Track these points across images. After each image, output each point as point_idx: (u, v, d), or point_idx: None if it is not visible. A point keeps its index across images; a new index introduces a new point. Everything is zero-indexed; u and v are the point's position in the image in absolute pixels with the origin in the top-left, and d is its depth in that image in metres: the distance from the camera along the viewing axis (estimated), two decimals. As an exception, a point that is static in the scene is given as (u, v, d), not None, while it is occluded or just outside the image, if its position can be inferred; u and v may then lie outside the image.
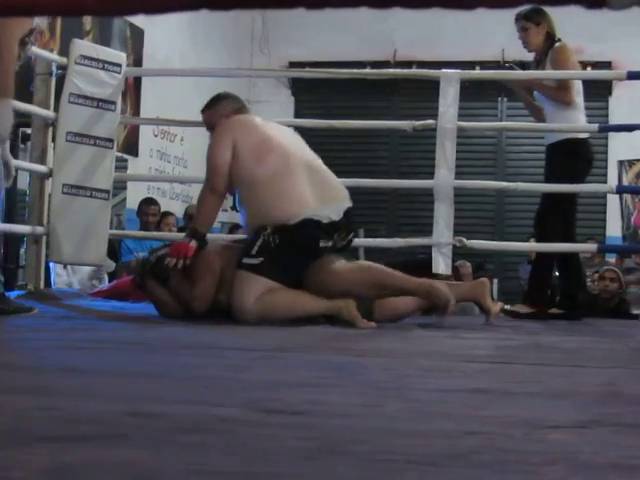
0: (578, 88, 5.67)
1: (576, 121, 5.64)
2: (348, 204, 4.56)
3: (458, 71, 5.59)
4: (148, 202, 8.32)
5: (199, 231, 4.51)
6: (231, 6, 0.86)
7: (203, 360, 2.64)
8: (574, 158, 5.60)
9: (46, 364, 2.36)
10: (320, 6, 0.84)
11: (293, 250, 4.36)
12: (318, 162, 4.66)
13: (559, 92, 5.58)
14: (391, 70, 5.79)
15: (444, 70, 5.65)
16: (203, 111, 4.84)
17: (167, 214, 8.33)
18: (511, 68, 5.80)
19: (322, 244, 4.40)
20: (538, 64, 5.71)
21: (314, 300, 4.35)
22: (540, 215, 5.63)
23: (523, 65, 5.84)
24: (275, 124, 4.87)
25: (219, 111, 4.71)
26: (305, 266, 4.41)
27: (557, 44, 5.61)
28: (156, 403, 1.65)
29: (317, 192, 4.46)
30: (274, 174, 4.42)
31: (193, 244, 4.44)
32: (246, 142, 4.48)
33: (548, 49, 5.62)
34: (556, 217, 5.58)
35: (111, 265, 6.99)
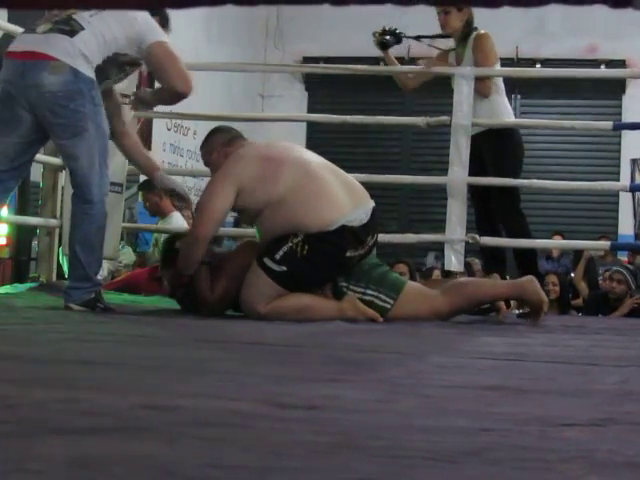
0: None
1: (500, 104, 5.71)
2: (373, 203, 4.50)
3: (472, 68, 5.57)
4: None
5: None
6: (256, 1, 0.86)
7: (217, 354, 2.65)
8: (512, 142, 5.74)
9: (62, 357, 2.36)
10: (345, 2, 0.84)
11: (320, 262, 4.28)
12: (336, 166, 4.60)
13: (479, 84, 5.59)
14: (405, 67, 5.77)
15: (458, 68, 5.64)
16: (201, 148, 4.75)
17: None
18: (384, 37, 5.80)
19: (349, 254, 4.33)
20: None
21: (325, 305, 4.34)
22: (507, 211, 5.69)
23: (398, 37, 5.80)
24: (279, 142, 4.76)
25: (211, 147, 4.61)
26: (328, 279, 4.39)
27: (481, 31, 5.57)
28: (171, 396, 1.65)
29: (348, 193, 4.39)
30: (296, 185, 4.29)
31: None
32: (248, 175, 4.31)
33: (466, 35, 5.59)
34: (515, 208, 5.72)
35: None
